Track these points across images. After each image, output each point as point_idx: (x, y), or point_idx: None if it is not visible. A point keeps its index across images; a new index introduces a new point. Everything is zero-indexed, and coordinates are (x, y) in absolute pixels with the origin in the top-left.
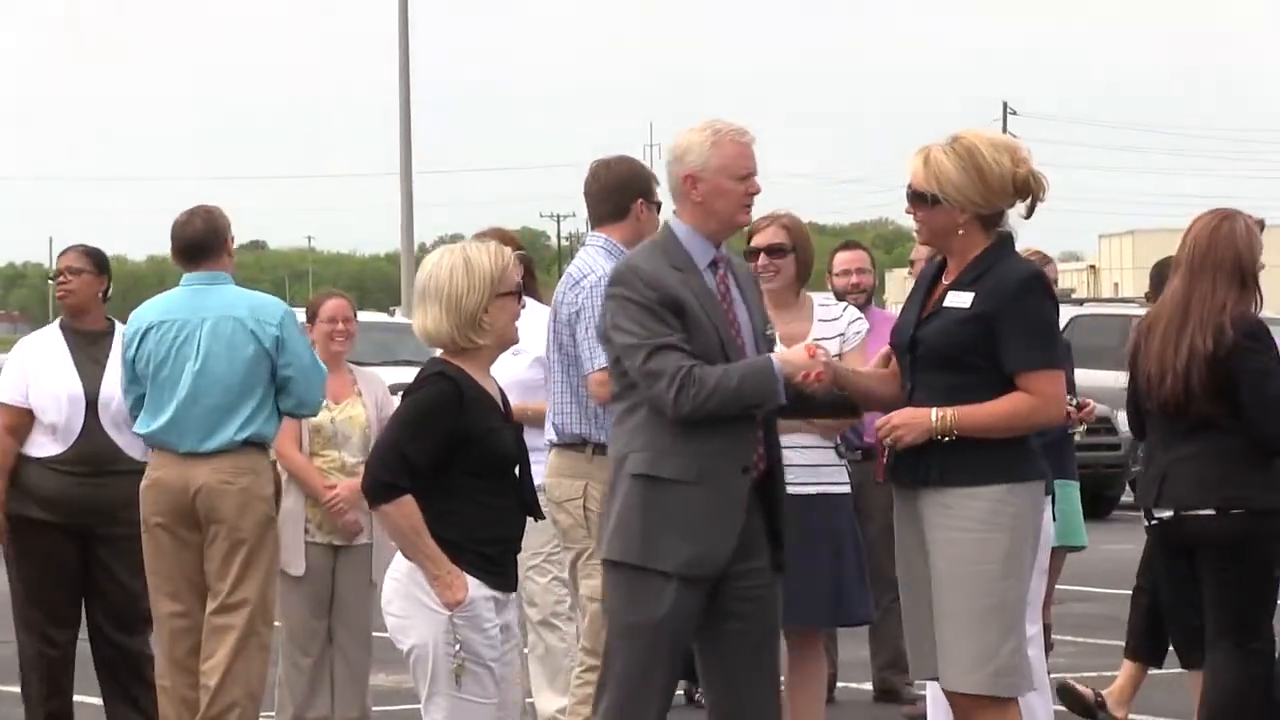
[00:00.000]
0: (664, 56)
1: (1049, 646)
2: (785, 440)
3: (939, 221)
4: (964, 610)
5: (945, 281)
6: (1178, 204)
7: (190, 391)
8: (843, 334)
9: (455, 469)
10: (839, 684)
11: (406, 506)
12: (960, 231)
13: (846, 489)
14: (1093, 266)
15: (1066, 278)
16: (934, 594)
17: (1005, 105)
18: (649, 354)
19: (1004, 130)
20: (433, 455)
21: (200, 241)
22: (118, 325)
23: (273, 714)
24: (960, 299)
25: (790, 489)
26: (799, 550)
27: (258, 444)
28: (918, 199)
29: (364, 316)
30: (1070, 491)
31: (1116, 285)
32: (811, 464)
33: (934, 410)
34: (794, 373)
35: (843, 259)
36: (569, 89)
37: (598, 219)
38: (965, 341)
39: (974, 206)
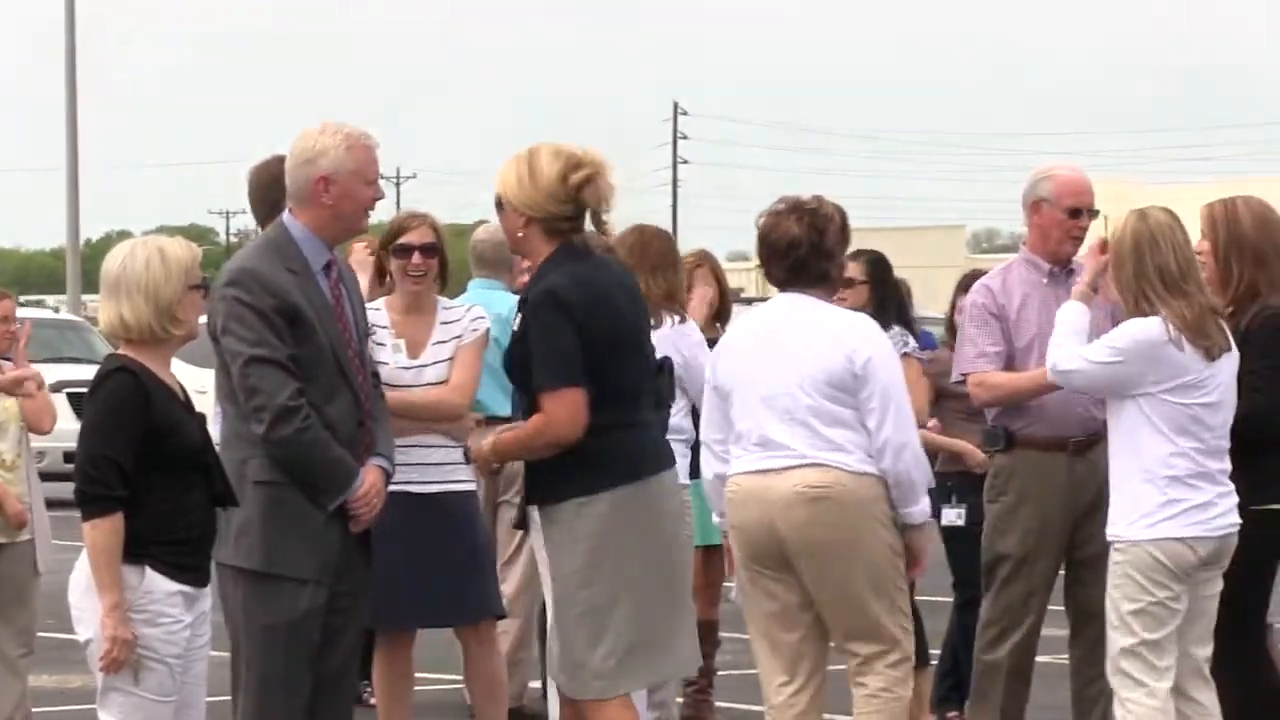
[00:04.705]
0: (328, 54)
1: (715, 644)
2: (412, 440)
3: (506, 225)
4: (560, 619)
5: None
6: (846, 205)
7: None
8: (459, 336)
9: (143, 464)
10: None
11: (117, 523)
12: (519, 234)
13: (472, 487)
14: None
15: (736, 277)
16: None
17: (676, 105)
18: (251, 363)
19: (675, 129)
20: (135, 454)
21: None
22: None
23: None
24: (520, 319)
25: (415, 488)
26: (425, 550)
27: None
28: (496, 205)
29: (28, 313)
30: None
31: None
32: (436, 463)
33: (488, 440)
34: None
35: None
36: (233, 87)
37: (260, 219)
38: (517, 363)
39: (528, 210)
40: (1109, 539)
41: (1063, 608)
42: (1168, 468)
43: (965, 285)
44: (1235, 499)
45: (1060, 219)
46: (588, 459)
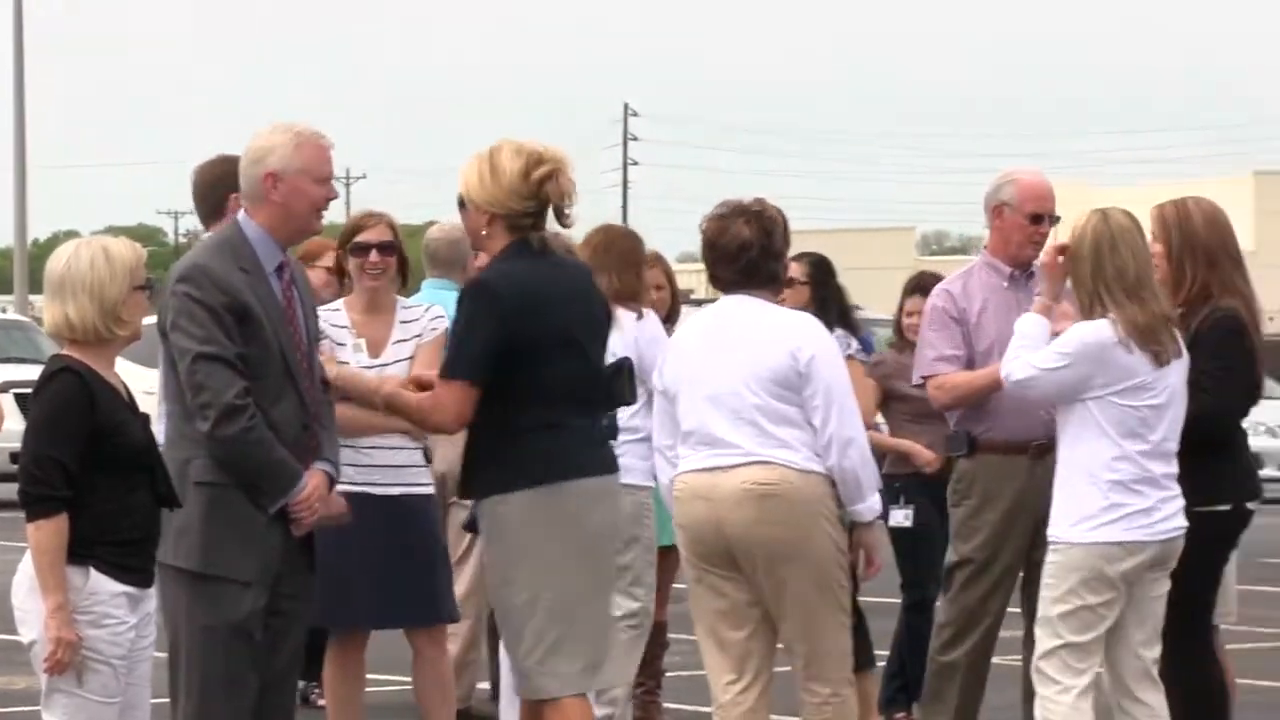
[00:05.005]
0: (278, 56)
1: (664, 645)
2: (373, 441)
3: (469, 224)
4: (497, 619)
5: None
6: (795, 207)
7: None
8: (419, 335)
9: (87, 464)
10: None
11: (61, 523)
12: (484, 232)
13: (430, 490)
14: None
15: (686, 278)
16: None
17: (626, 106)
18: (199, 359)
19: (625, 131)
20: (79, 455)
21: None
22: None
23: None
24: None
25: (376, 489)
26: (384, 551)
27: None
28: (459, 205)
29: None
30: None
31: None
32: (398, 465)
33: (390, 387)
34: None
35: None
36: (182, 87)
37: (203, 218)
38: None
39: (490, 207)
40: (1049, 538)
41: (1016, 609)
42: (1111, 471)
43: (913, 288)
44: (1180, 502)
45: (1021, 223)
46: (506, 457)
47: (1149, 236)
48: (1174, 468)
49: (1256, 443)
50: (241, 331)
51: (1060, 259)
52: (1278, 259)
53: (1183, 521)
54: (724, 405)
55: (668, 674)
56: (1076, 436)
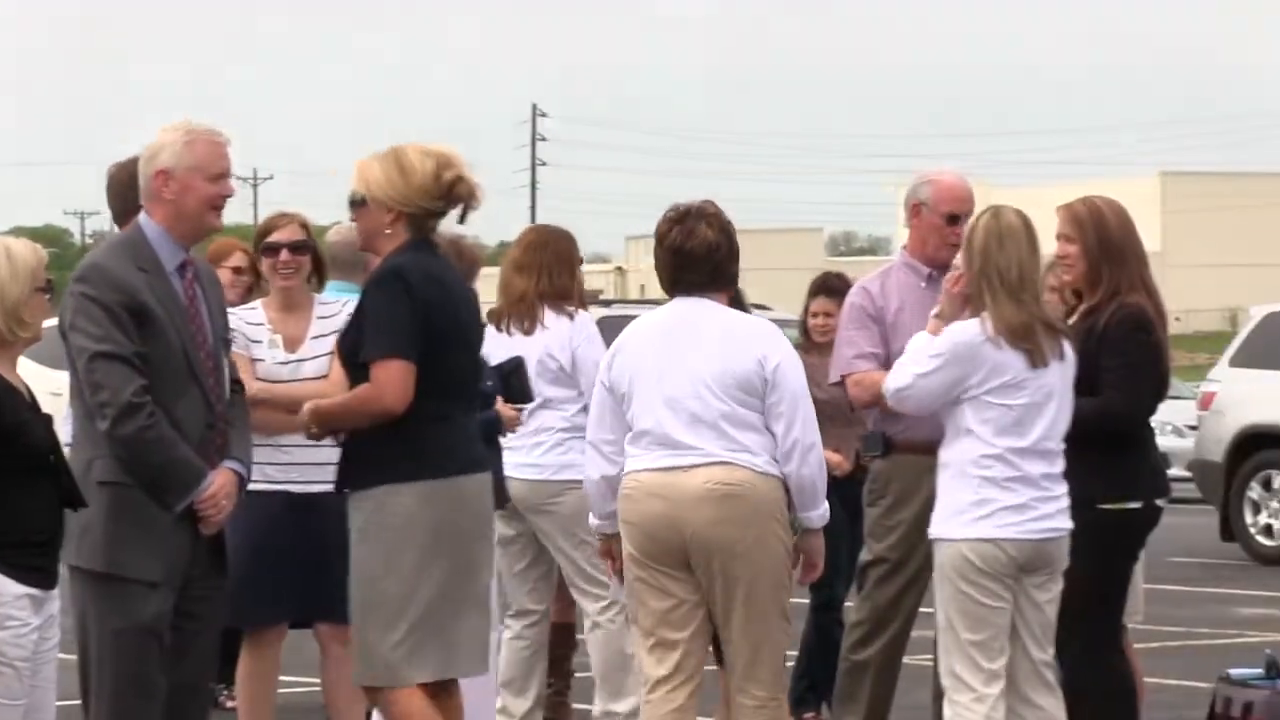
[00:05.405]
0: (196, 55)
1: (573, 646)
2: (291, 438)
3: (368, 222)
4: (356, 609)
5: None
6: None
7: None
8: (338, 330)
9: None
10: None
11: None
12: (387, 232)
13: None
14: (620, 268)
15: (595, 279)
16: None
17: (534, 107)
18: (96, 358)
19: (533, 131)
20: None
21: None
22: None
23: None
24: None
25: (295, 487)
26: (304, 549)
27: None
28: (353, 204)
29: None
30: None
31: (643, 286)
32: (318, 462)
33: (309, 405)
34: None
35: None
36: (94, 83)
37: (116, 217)
38: (352, 343)
39: (399, 205)
40: (930, 537)
41: (928, 609)
42: (980, 468)
43: (817, 288)
44: (1062, 504)
45: (937, 224)
46: (401, 449)
47: (1060, 236)
48: (1056, 468)
49: (1164, 442)
50: (140, 331)
51: (958, 288)
52: (1184, 259)
53: (1064, 524)
54: (683, 408)
55: (577, 675)
56: (952, 436)
